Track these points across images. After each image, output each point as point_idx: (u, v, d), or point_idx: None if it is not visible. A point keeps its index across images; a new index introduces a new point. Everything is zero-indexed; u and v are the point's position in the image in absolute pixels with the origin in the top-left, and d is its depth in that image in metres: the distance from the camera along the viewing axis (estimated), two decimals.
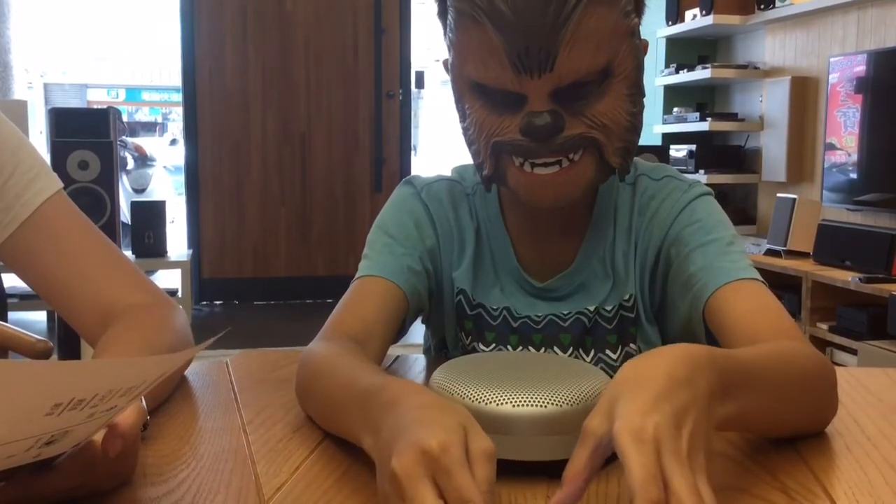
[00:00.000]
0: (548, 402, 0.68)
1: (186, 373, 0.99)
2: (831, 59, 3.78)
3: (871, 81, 3.56)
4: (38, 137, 8.76)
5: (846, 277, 3.34)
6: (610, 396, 0.57)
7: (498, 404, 0.68)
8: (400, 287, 0.96)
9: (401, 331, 1.00)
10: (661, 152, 4.38)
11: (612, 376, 0.73)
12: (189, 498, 0.65)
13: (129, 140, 8.39)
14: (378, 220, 1.04)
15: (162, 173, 8.50)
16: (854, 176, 3.66)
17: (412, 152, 5.73)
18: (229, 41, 5.25)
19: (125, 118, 13.97)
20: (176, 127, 15.67)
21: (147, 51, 18.72)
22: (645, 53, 0.94)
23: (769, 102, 4.32)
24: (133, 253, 4.37)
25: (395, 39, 5.41)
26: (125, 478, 0.66)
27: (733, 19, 4.37)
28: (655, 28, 4.78)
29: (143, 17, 18.57)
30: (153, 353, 0.83)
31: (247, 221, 5.35)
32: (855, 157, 3.65)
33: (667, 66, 4.85)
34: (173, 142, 11.53)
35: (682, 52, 4.87)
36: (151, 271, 4.83)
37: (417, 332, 1.12)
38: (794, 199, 3.79)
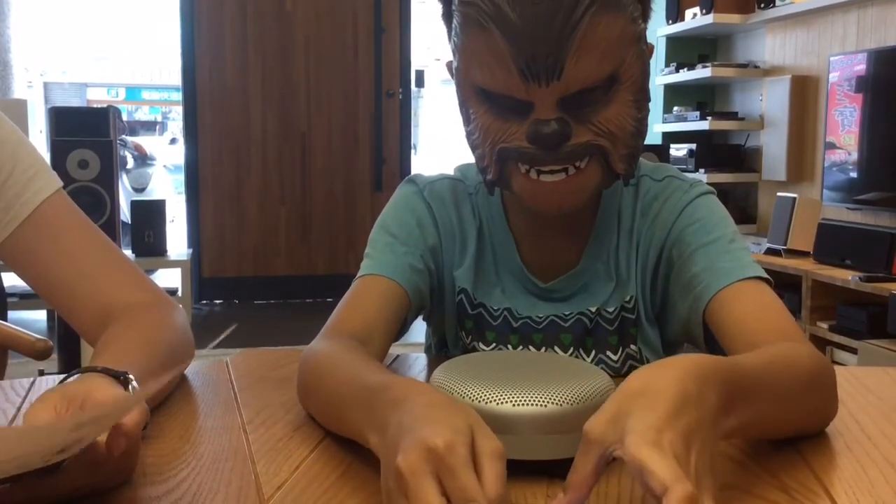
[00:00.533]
0: (548, 402, 0.67)
1: (186, 372, 0.99)
2: (831, 58, 3.78)
3: (872, 80, 3.56)
4: (38, 136, 8.77)
5: (846, 276, 3.33)
6: (618, 407, 0.57)
7: (498, 403, 0.68)
8: (402, 286, 0.96)
9: (402, 329, 0.99)
10: (661, 151, 4.38)
11: (612, 377, 0.74)
12: (189, 497, 0.64)
13: (129, 139, 8.39)
14: (380, 218, 1.04)
15: (162, 172, 8.50)
16: (854, 175, 3.66)
17: (412, 151, 5.73)
18: (229, 41, 5.25)
19: (125, 117, 13.98)
20: (176, 126, 15.67)
21: (147, 50, 18.72)
22: (650, 57, 0.94)
23: (769, 101, 4.32)
24: (133, 252, 4.37)
25: (395, 39, 5.40)
26: (126, 477, 0.66)
27: (733, 18, 4.36)
28: (655, 27, 4.78)
29: (143, 17, 18.57)
30: (153, 353, 0.83)
31: (247, 220, 5.35)
32: (855, 156, 3.64)
33: (667, 64, 4.85)
34: (173, 141, 11.52)
35: (683, 50, 4.87)
36: (151, 270, 4.83)
37: (418, 330, 1.12)
38: (795, 198, 3.79)
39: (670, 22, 4.76)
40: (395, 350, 1.02)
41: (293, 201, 5.38)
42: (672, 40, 4.91)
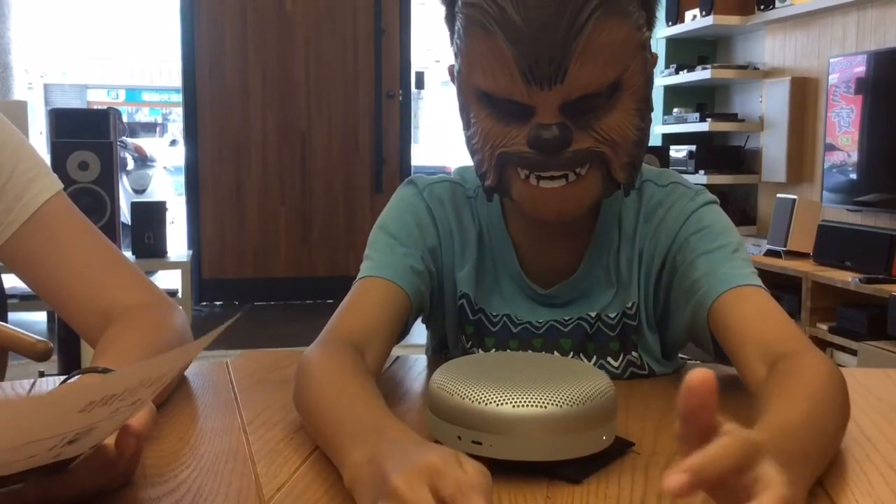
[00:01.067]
0: (548, 403, 0.68)
1: (186, 373, 0.99)
2: (831, 60, 3.78)
3: (871, 82, 3.57)
4: (38, 138, 8.77)
5: (846, 278, 3.34)
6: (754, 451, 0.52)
7: (498, 404, 0.68)
8: (402, 287, 0.96)
9: (403, 331, 0.99)
10: (661, 153, 4.38)
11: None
12: (189, 498, 0.65)
13: (129, 140, 8.38)
14: (379, 220, 1.03)
15: (162, 174, 8.49)
16: (854, 176, 3.66)
17: (412, 151, 5.73)
18: (229, 41, 5.25)
19: (125, 119, 13.97)
20: (176, 127, 15.68)
21: (147, 51, 18.74)
22: (654, 66, 0.93)
23: (769, 103, 4.32)
24: (133, 253, 4.37)
25: (395, 40, 5.41)
26: (126, 478, 0.66)
27: (733, 20, 4.37)
28: (655, 28, 4.78)
29: (143, 18, 18.58)
30: (153, 354, 0.83)
31: (247, 222, 5.35)
32: (855, 158, 3.65)
33: (667, 66, 4.86)
34: (173, 142, 11.52)
35: (682, 52, 4.88)
36: (151, 272, 4.83)
37: (418, 332, 1.12)
38: (794, 200, 3.79)
39: (670, 23, 4.76)
40: (395, 351, 1.02)
41: (293, 202, 5.38)
42: (672, 42, 4.91)
